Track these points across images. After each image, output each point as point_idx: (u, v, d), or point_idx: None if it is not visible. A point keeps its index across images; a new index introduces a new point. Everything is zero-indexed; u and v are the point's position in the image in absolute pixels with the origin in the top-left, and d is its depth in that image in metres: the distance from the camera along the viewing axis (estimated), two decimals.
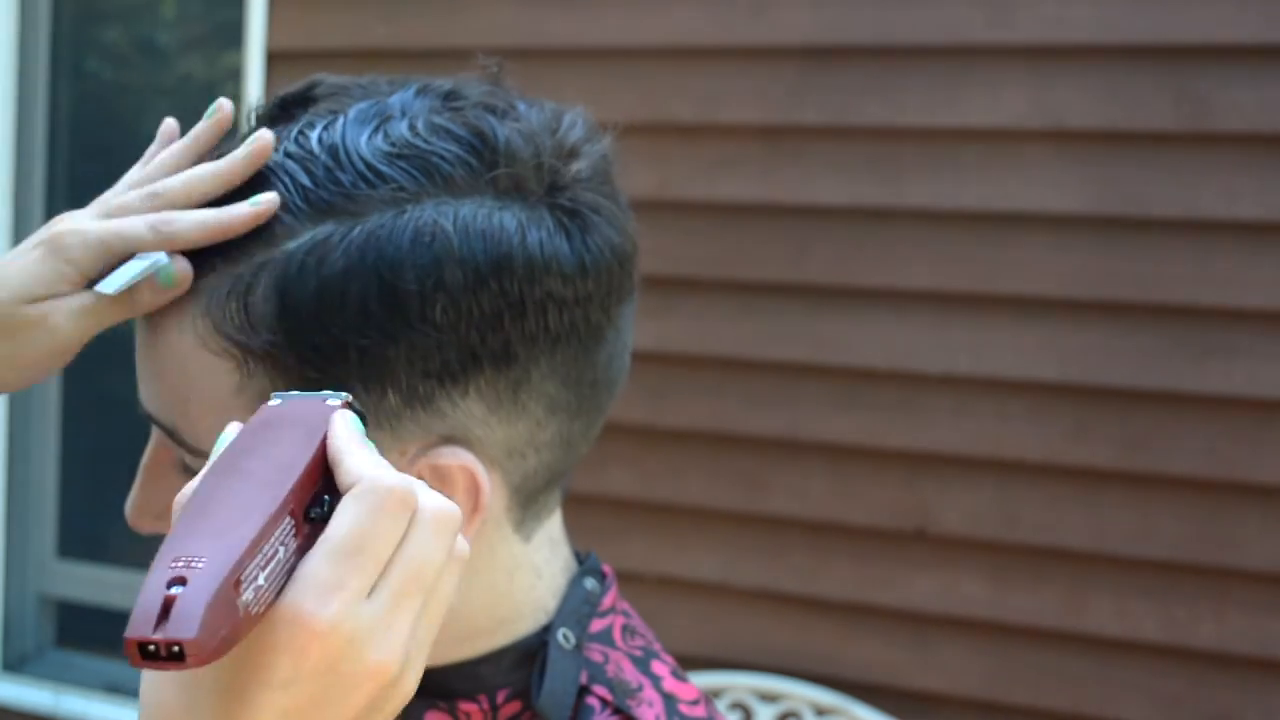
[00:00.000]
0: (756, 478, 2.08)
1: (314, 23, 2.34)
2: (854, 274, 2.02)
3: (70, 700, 2.59)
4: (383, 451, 0.63)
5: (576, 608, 0.71)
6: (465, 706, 0.69)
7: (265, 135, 0.64)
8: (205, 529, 0.45)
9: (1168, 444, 1.89)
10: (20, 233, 2.66)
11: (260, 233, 0.62)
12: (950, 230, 1.97)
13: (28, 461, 2.72)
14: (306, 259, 0.61)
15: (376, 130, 0.64)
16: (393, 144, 0.63)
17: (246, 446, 0.49)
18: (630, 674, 0.70)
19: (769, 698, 2.06)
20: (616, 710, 0.67)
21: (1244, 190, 1.84)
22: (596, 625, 0.71)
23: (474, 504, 0.64)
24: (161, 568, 0.43)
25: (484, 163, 0.64)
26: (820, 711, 2.03)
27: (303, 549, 0.47)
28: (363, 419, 0.53)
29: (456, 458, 0.63)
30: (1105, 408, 1.91)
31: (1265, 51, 1.83)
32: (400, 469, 0.63)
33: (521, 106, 0.67)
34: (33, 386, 2.68)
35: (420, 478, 0.63)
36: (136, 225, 0.63)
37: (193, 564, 0.43)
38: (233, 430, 0.52)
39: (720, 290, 2.09)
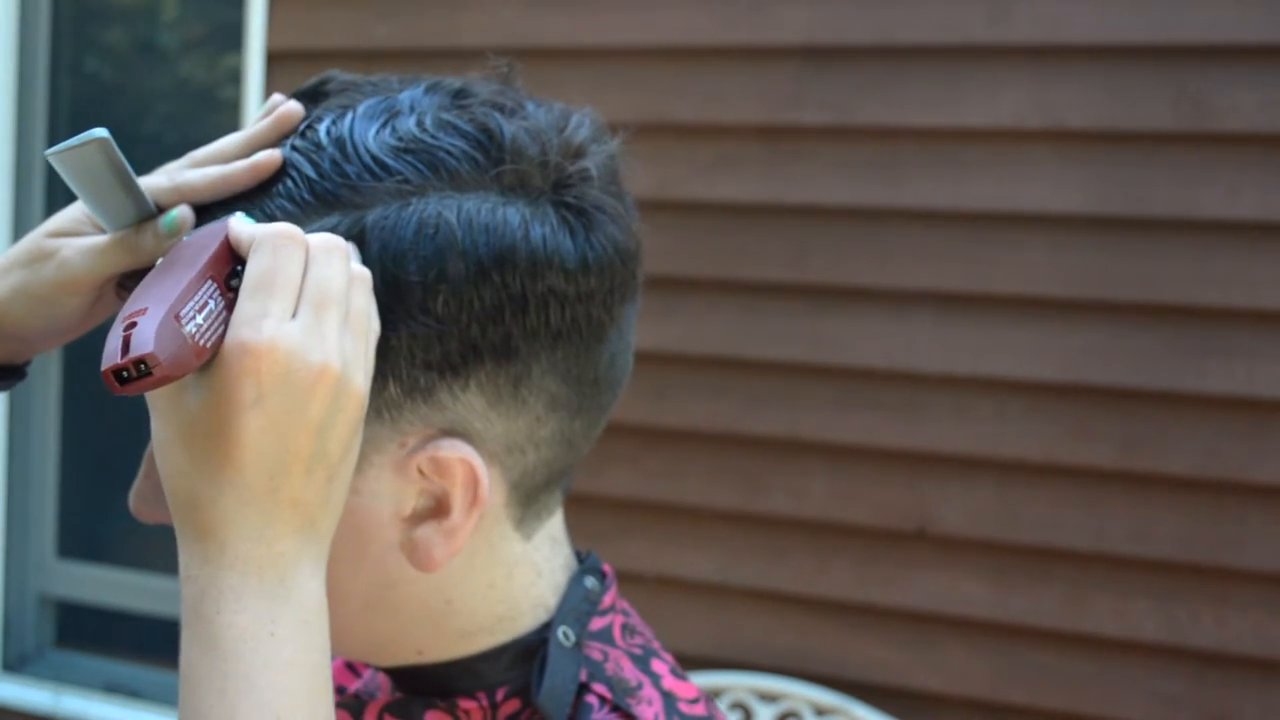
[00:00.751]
0: (756, 478, 2.08)
1: (314, 23, 2.34)
2: (854, 274, 2.02)
3: (70, 700, 2.59)
4: (382, 443, 0.64)
5: (576, 606, 0.71)
6: (465, 705, 0.69)
7: (291, 104, 0.67)
8: (144, 297, 0.56)
9: (1168, 444, 1.89)
10: (20, 233, 2.66)
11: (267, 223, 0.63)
12: (950, 230, 1.97)
13: (28, 461, 2.72)
14: None
15: (384, 125, 0.64)
16: (400, 138, 0.64)
17: (169, 259, 0.60)
18: (630, 672, 0.70)
19: (769, 698, 2.06)
20: (615, 708, 0.67)
21: (1244, 190, 1.84)
22: (596, 623, 0.71)
23: (472, 497, 0.64)
24: (118, 325, 0.55)
25: (490, 159, 0.64)
26: (820, 711, 2.03)
27: (231, 306, 0.57)
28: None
29: (456, 450, 0.63)
30: (1105, 408, 1.91)
31: (1265, 51, 1.83)
32: (399, 460, 0.64)
33: (530, 106, 0.67)
34: (32, 387, 2.68)
35: (419, 469, 0.64)
36: (158, 176, 0.67)
37: (141, 314, 0.54)
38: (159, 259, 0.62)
39: (720, 290, 2.09)
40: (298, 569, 0.58)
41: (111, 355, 0.53)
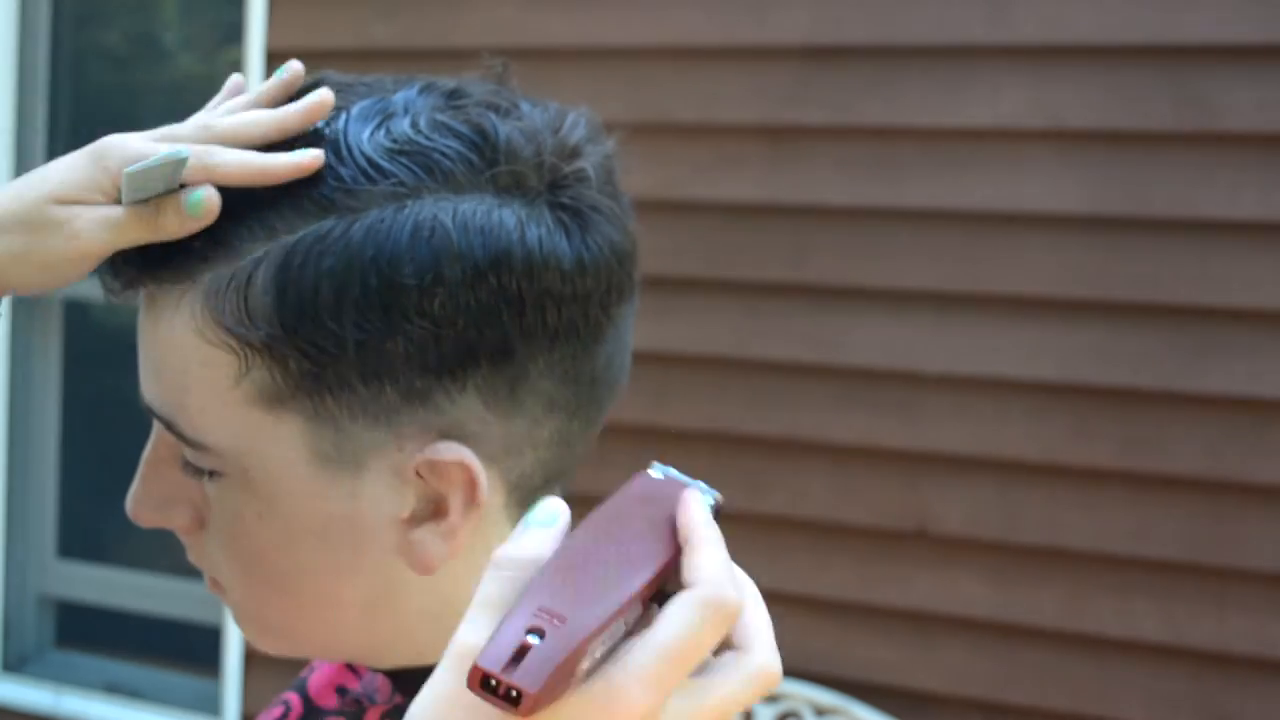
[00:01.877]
0: (756, 478, 2.08)
1: (314, 22, 2.34)
2: (854, 274, 2.02)
3: (70, 700, 2.59)
4: (379, 447, 0.63)
5: None
6: None
7: (326, 94, 0.65)
8: (573, 590, 0.48)
9: (1168, 444, 1.89)
10: None
11: (260, 226, 0.62)
12: (950, 230, 1.97)
13: (28, 461, 2.72)
14: (306, 253, 0.61)
15: (379, 126, 0.64)
16: (394, 140, 0.63)
17: (625, 514, 0.52)
18: None
19: (769, 697, 2.06)
20: None
21: (1244, 190, 1.84)
22: None
23: (470, 499, 0.64)
24: (525, 612, 0.46)
25: (485, 160, 0.64)
26: (820, 711, 2.03)
27: (636, 628, 0.50)
28: (716, 514, 0.55)
29: (453, 453, 0.63)
30: (1105, 408, 1.91)
31: (1265, 51, 1.83)
32: (397, 464, 0.64)
33: (525, 106, 0.67)
34: (32, 387, 2.69)
35: (417, 472, 0.63)
36: (191, 128, 0.64)
37: (554, 621, 0.46)
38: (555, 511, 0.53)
39: (720, 290, 2.09)
40: None
41: (498, 656, 0.45)
